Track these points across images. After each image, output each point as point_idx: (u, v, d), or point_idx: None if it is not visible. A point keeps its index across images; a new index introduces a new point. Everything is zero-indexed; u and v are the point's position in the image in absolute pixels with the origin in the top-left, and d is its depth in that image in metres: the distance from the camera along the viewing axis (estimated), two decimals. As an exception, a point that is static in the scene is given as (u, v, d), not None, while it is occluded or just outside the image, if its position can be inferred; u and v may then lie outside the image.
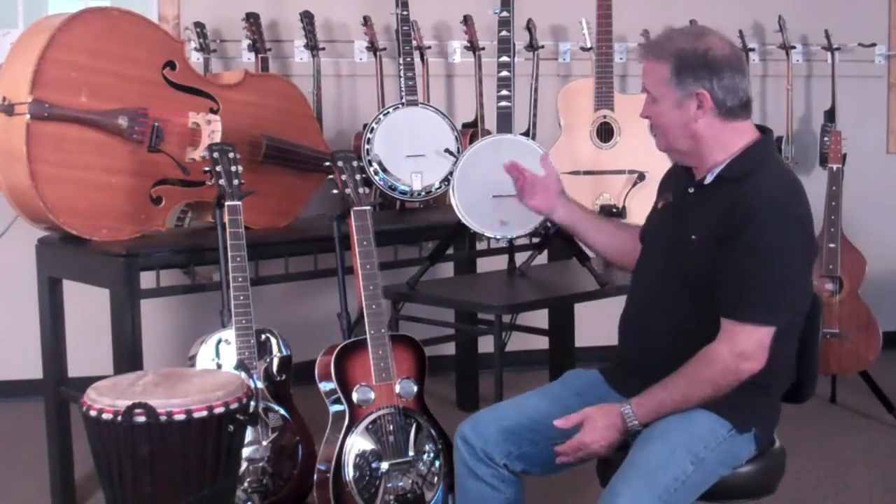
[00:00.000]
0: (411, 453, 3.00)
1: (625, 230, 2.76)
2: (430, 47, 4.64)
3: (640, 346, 2.46)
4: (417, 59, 4.36)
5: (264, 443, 3.02)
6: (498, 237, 3.39)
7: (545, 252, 3.72)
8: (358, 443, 2.95)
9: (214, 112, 3.41)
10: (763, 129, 2.43)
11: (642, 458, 2.23)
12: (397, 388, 3.02)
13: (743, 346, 2.25)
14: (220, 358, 3.01)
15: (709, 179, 2.38)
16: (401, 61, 4.00)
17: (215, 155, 3.10)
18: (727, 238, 2.27)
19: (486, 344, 4.15)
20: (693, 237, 2.35)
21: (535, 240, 3.64)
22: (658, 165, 2.85)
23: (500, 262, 3.81)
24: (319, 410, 3.11)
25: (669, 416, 2.29)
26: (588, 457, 2.34)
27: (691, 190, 2.42)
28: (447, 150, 3.88)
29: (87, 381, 2.66)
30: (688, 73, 2.32)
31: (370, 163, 3.83)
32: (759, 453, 2.39)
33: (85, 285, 3.31)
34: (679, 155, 2.44)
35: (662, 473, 2.20)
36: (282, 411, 3.09)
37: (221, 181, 3.07)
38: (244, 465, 2.92)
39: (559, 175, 2.81)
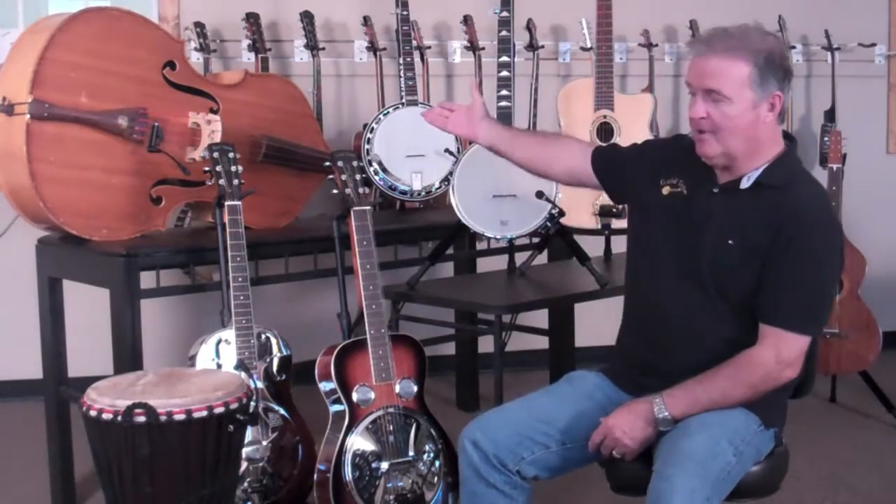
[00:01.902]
0: (411, 453, 3.00)
1: (553, 144, 2.71)
2: (430, 47, 4.64)
3: (655, 344, 2.43)
4: (417, 59, 4.35)
5: (264, 443, 3.02)
6: (498, 237, 3.39)
7: (545, 252, 3.72)
8: (358, 443, 2.95)
9: (214, 112, 3.41)
10: (788, 136, 2.41)
11: (688, 448, 2.20)
12: (397, 388, 3.02)
13: (787, 354, 2.27)
14: (220, 358, 3.01)
15: (745, 184, 2.33)
16: (401, 61, 4.00)
17: (215, 155, 3.10)
18: (776, 247, 2.26)
19: (486, 344, 4.15)
20: (730, 242, 2.31)
21: (535, 240, 3.64)
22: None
23: (500, 262, 3.81)
24: (319, 410, 3.11)
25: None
26: (615, 444, 2.30)
27: (716, 190, 2.37)
28: (447, 150, 3.88)
29: (87, 381, 2.65)
30: (771, 74, 2.30)
31: (370, 163, 3.82)
32: (771, 451, 2.40)
33: (85, 285, 3.31)
34: (721, 158, 2.34)
35: (712, 463, 2.19)
36: (282, 411, 3.09)
37: (221, 181, 3.08)
38: (244, 465, 2.92)
39: (484, 102, 2.70)
